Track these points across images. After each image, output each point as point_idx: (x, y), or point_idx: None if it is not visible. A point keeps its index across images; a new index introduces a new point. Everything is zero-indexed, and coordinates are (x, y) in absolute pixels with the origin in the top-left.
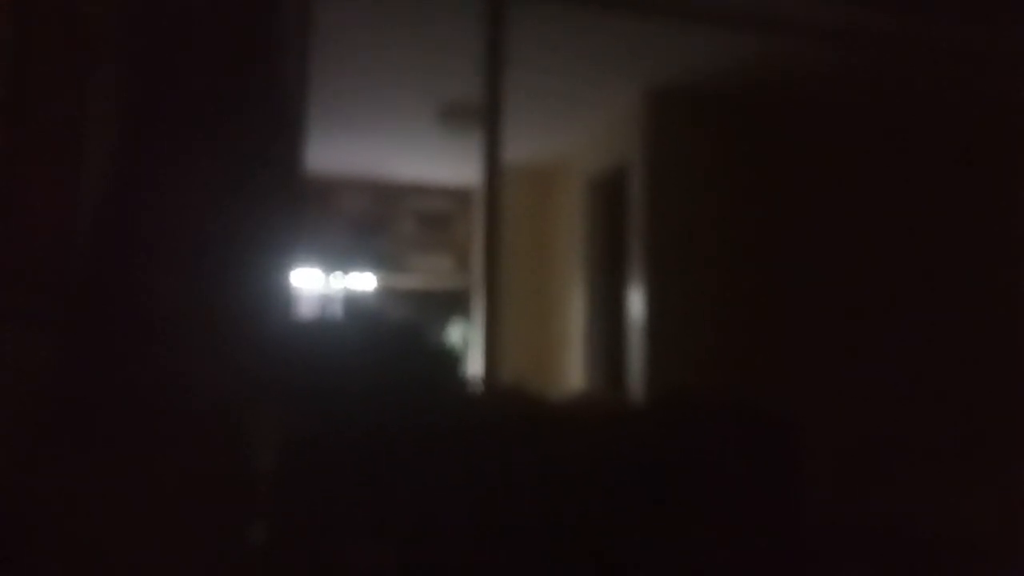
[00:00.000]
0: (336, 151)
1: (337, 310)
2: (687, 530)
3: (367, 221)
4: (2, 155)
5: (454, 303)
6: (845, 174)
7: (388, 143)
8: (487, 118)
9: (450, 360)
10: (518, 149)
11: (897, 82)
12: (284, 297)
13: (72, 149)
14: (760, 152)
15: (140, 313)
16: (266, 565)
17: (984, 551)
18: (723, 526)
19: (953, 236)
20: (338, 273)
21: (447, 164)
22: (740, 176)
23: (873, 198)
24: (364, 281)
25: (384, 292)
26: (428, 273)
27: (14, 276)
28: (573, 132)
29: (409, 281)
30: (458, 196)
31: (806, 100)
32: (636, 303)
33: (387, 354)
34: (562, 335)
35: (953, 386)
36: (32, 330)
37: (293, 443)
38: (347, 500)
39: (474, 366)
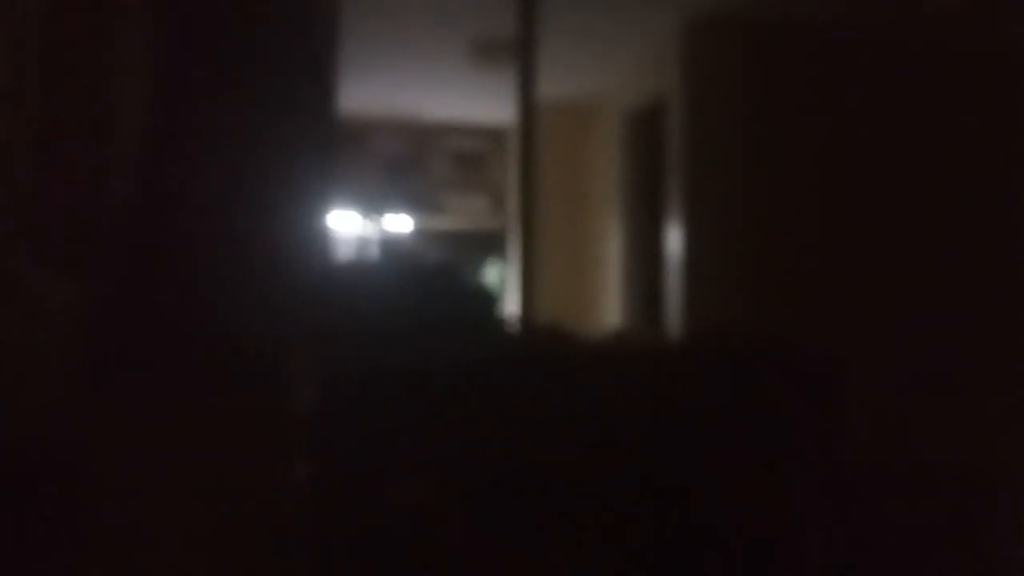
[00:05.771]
0: (367, 91)
1: (373, 252)
2: (725, 468)
3: (401, 162)
4: (36, 103)
5: (490, 243)
6: (892, 107)
7: (420, 82)
8: (521, 54)
9: (487, 300)
10: (553, 85)
11: (946, 10)
12: (321, 239)
13: (104, 96)
14: (803, 84)
15: (178, 258)
16: (309, 503)
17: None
18: (762, 464)
19: (1006, 169)
20: (374, 215)
21: (481, 102)
22: (781, 110)
23: (921, 132)
24: (400, 223)
25: (420, 234)
26: (463, 214)
27: (51, 223)
28: (609, 66)
29: (445, 222)
30: (492, 135)
31: (851, 30)
32: (674, 241)
33: (424, 295)
34: (599, 274)
35: (1001, 320)
36: (71, 277)
37: (333, 384)
38: (386, 439)
39: (511, 306)
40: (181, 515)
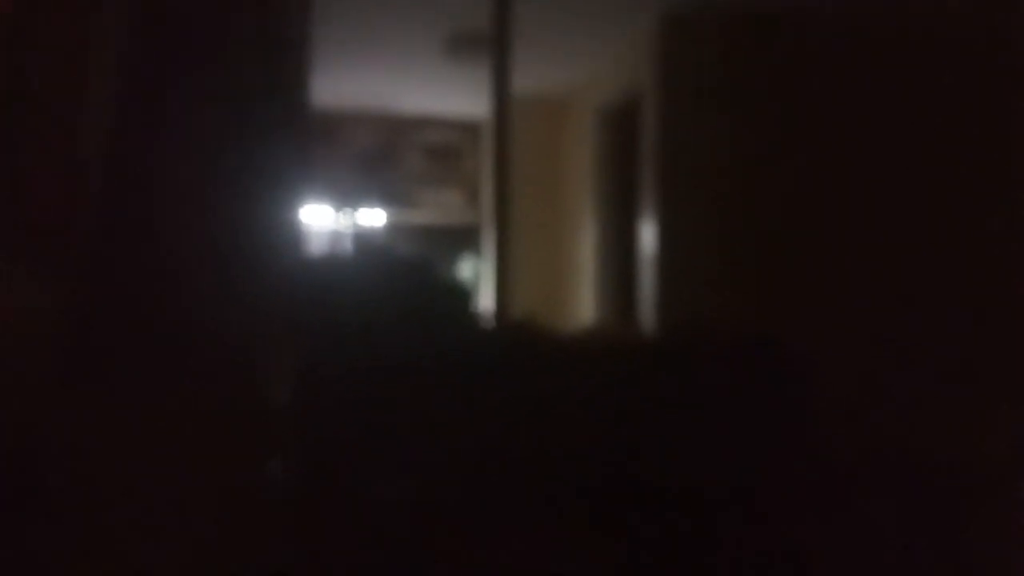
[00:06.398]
0: (341, 84)
1: (347, 246)
2: (699, 463)
3: (375, 156)
4: (6, 95)
5: (464, 238)
6: (869, 101)
7: (394, 75)
8: (496, 47)
9: (461, 295)
10: (528, 79)
11: (923, 6)
12: (294, 233)
13: (75, 93)
14: (777, 80)
15: (150, 254)
16: (284, 500)
17: (1003, 478)
18: (736, 458)
19: (974, 163)
20: (347, 209)
21: (455, 96)
22: (756, 105)
23: (895, 126)
24: (373, 217)
25: (394, 228)
26: (438, 208)
27: (22, 220)
28: (584, 61)
29: (419, 216)
30: (467, 129)
31: (826, 24)
32: (648, 235)
33: (398, 290)
34: (573, 269)
35: (972, 313)
36: (44, 274)
37: (306, 380)
38: (361, 435)
39: (485, 301)
40: (162, 513)
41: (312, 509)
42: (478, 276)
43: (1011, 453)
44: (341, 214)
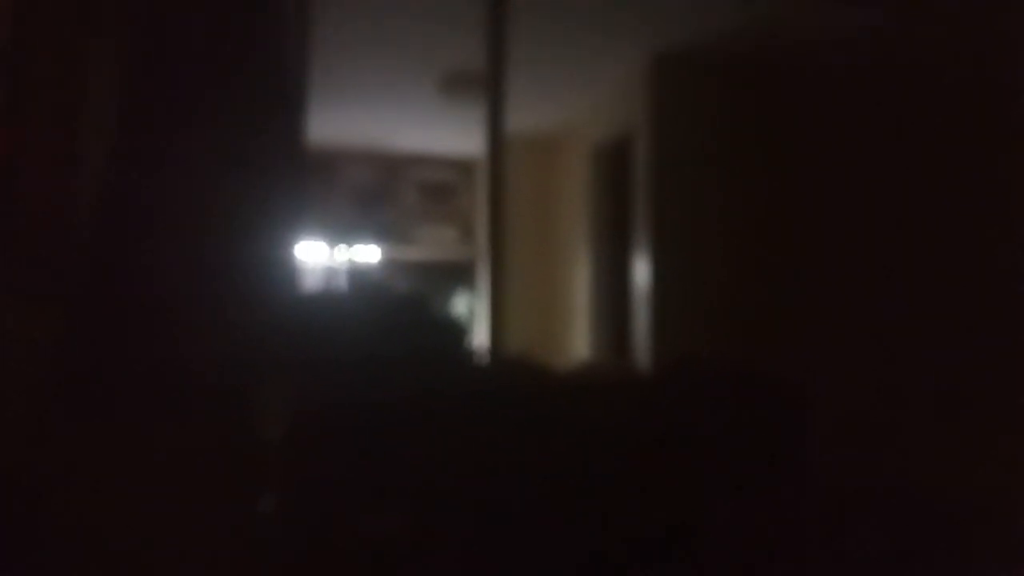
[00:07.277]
0: (337, 122)
1: (342, 283)
2: (694, 498)
3: (370, 193)
4: (2, 127)
5: (459, 274)
6: (855, 140)
7: (390, 113)
8: (490, 87)
9: (455, 331)
10: (522, 118)
11: (908, 45)
12: (289, 270)
13: (73, 121)
14: (769, 118)
15: (144, 287)
16: (276, 536)
17: (997, 512)
18: (730, 492)
19: (961, 199)
20: (343, 245)
21: (450, 134)
22: (748, 142)
23: (883, 164)
24: (368, 253)
25: (388, 264)
26: (432, 245)
27: (16, 250)
28: (578, 100)
29: (413, 253)
30: (461, 166)
31: (817, 64)
32: (641, 272)
33: (392, 326)
34: (567, 305)
35: (965, 347)
36: (36, 305)
37: (300, 416)
38: (355, 471)
39: (479, 337)
40: (152, 548)
41: (304, 546)
42: (473, 312)
43: (1008, 483)
44: (336, 250)
